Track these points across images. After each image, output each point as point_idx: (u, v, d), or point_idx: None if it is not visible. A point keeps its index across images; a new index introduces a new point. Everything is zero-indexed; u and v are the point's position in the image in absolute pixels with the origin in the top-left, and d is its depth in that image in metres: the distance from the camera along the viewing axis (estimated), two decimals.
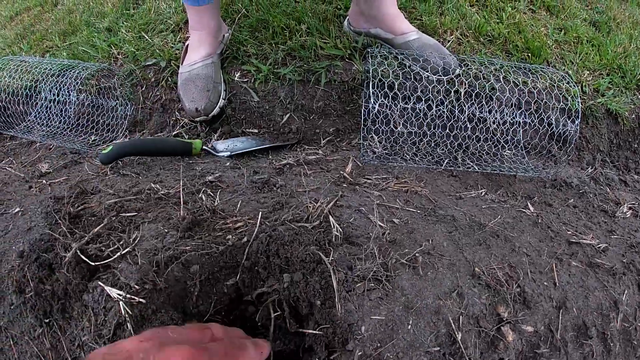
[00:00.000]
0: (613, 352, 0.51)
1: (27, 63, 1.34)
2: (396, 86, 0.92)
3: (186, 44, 1.07)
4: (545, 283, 0.52)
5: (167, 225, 0.58)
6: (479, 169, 0.87)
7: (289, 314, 0.48)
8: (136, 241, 0.56)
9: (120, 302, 0.53)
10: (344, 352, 0.43)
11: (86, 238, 0.61)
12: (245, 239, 0.53)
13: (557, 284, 0.53)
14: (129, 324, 0.52)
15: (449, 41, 1.07)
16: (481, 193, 0.77)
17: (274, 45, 1.04)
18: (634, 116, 1.10)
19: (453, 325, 0.45)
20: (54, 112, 1.28)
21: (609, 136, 1.08)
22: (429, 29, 1.08)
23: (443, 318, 0.46)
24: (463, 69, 0.97)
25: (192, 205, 0.64)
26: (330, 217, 0.56)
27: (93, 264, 0.61)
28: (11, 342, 0.71)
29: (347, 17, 1.06)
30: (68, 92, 1.24)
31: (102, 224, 0.61)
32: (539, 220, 0.68)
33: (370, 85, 0.84)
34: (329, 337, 0.45)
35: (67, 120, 1.23)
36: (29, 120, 1.31)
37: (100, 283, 0.58)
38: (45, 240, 0.67)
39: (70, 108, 1.24)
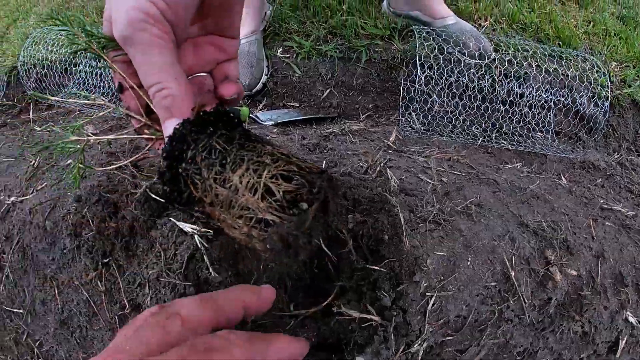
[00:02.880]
0: None
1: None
2: (435, 67, 0.97)
3: None
4: (584, 236, 0.57)
5: None
6: (511, 147, 0.92)
7: (355, 251, 0.53)
8: None
9: (195, 236, 0.58)
10: (410, 283, 0.49)
11: (155, 178, 0.65)
12: None
13: (595, 237, 0.58)
14: (205, 257, 0.57)
15: (483, 26, 1.11)
16: (517, 166, 0.82)
17: (315, 23, 1.08)
18: None
19: (507, 264, 0.50)
20: (92, 84, 1.31)
21: (635, 126, 1.12)
22: (464, 14, 1.12)
23: (498, 257, 0.51)
24: (499, 54, 1.01)
25: None
26: (387, 170, 0.61)
27: (164, 200, 0.63)
28: (55, 292, 0.72)
29: None
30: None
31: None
32: (573, 189, 0.73)
33: (417, 58, 0.89)
34: (395, 270, 0.50)
35: (106, 92, 1.26)
36: (66, 92, 1.33)
37: (171, 219, 0.61)
38: (104, 185, 0.69)
39: (110, 80, 1.27)
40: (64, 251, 0.68)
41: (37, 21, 1.72)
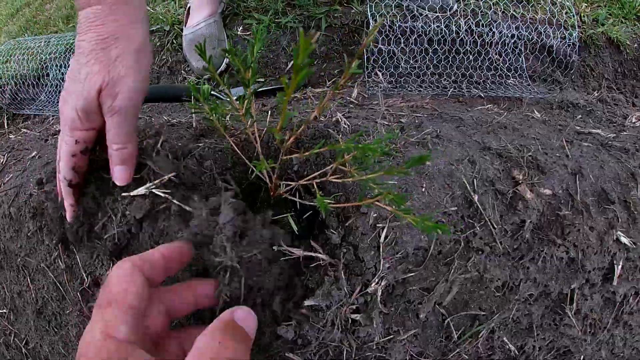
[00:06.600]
0: (639, 221, 0.50)
1: (32, 49, 1.37)
2: (395, 23, 0.93)
3: (187, 6, 1.10)
4: (557, 155, 0.52)
5: (184, 133, 0.60)
6: (484, 94, 0.87)
7: (303, 191, 0.49)
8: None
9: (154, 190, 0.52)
10: (359, 215, 0.44)
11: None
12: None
13: (570, 156, 0.53)
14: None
15: None
16: (487, 107, 0.78)
17: None
18: (636, 45, 1.09)
19: (468, 187, 0.46)
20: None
21: (613, 65, 1.07)
22: None
23: (457, 181, 0.46)
24: (461, 4, 0.98)
25: (204, 122, 0.66)
26: (338, 113, 0.57)
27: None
28: (28, 280, 0.70)
29: None
30: None
31: None
32: (547, 120, 0.68)
33: (370, 17, 0.85)
34: (341, 205, 0.45)
35: None
36: (40, 100, 1.34)
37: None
38: None
39: None
40: (29, 235, 0.66)
41: (8, 39, 1.72)
